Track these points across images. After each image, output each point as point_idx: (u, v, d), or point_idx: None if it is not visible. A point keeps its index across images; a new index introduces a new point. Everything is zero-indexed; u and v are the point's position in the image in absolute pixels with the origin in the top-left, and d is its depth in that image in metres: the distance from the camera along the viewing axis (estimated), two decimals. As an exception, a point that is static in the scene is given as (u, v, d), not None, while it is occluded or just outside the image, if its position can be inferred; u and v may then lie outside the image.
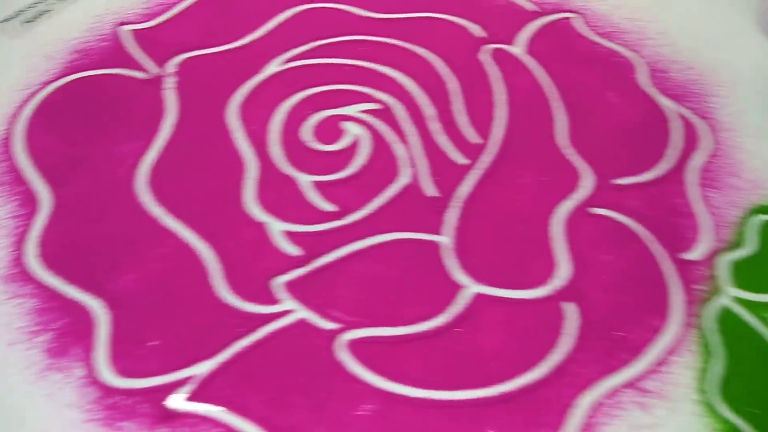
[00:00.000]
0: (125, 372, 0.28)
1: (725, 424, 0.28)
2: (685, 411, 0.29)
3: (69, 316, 0.30)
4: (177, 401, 0.28)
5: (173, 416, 0.27)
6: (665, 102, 0.40)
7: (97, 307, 0.30)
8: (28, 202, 0.33)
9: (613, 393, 0.29)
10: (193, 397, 0.28)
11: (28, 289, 0.31)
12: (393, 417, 0.28)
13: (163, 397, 0.28)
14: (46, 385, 0.28)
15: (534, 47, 0.43)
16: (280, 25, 0.42)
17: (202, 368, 0.28)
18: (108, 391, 0.28)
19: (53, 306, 0.30)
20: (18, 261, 0.32)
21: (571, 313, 0.31)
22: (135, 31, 0.41)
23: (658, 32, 0.45)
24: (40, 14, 0.40)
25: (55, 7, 0.41)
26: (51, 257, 0.32)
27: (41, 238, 0.32)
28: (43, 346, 0.29)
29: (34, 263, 0.31)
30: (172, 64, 0.39)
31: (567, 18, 0.44)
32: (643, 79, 0.41)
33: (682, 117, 0.40)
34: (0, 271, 0.31)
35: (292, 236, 0.33)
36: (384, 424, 0.27)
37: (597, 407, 0.28)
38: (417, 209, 0.34)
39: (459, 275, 0.32)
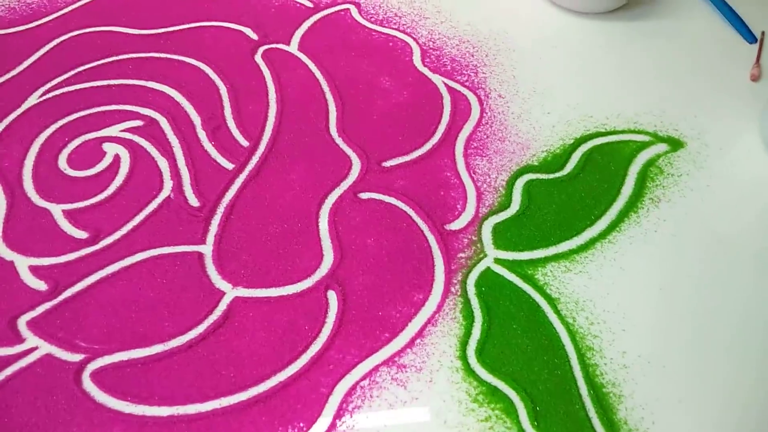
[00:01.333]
0: None
1: (483, 386, 0.29)
2: (442, 380, 0.29)
3: None
4: None
5: None
6: (437, 79, 0.41)
7: None
8: None
9: (371, 373, 0.29)
10: None
11: None
12: (139, 439, 0.27)
13: None
14: None
15: (308, 43, 0.43)
16: (43, 57, 0.41)
17: (-66, 425, 0.27)
18: None
19: None
20: None
21: (333, 300, 0.31)
22: None
23: (435, 11, 0.46)
24: None
25: None
26: None
27: None
28: None
29: None
30: None
31: (343, 10, 0.45)
32: (416, 59, 0.42)
33: (453, 91, 0.40)
34: None
35: (39, 270, 0.31)
36: (129, 449, 0.27)
37: (352, 391, 0.28)
38: (178, 222, 0.33)
39: (219, 282, 0.31)
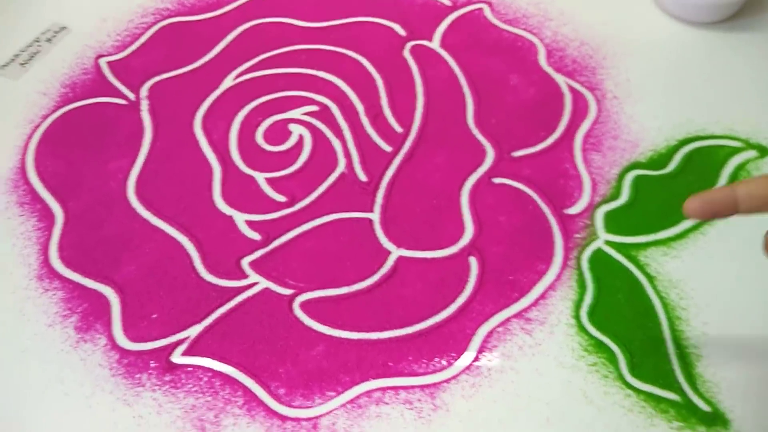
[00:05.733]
0: (136, 338, 0.38)
1: (592, 339, 0.37)
2: (560, 332, 0.38)
3: (89, 301, 0.39)
4: (176, 356, 0.37)
5: (175, 367, 0.37)
6: (560, 78, 0.48)
7: (108, 292, 0.39)
8: (45, 216, 0.42)
9: (504, 323, 0.38)
10: (188, 352, 0.37)
11: (55, 283, 0.40)
12: (337, 354, 0.37)
13: (166, 354, 0.37)
14: (80, 353, 0.37)
15: (448, 40, 0.50)
16: (231, 44, 0.50)
17: (193, 331, 0.38)
18: (126, 353, 0.37)
19: (76, 295, 0.40)
20: (45, 263, 0.41)
21: (474, 264, 0.40)
22: (110, 62, 0.49)
23: (559, 13, 0.52)
24: (32, 56, 0.48)
25: (43, 48, 0.49)
26: (69, 258, 0.41)
27: (59, 243, 0.41)
28: (73, 325, 0.38)
29: (57, 263, 0.41)
30: (145, 88, 0.47)
31: (477, 9, 0.52)
32: (542, 59, 0.49)
33: (574, 90, 0.47)
34: (33, 272, 0.40)
35: (253, 224, 0.42)
36: (330, 359, 0.37)
37: (491, 334, 0.38)
38: (351, 193, 0.43)
39: (386, 243, 0.41)
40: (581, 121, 0.46)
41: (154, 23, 0.51)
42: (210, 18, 0.52)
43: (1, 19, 0.52)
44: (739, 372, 0.36)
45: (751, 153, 0.44)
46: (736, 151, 0.44)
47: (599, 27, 0.51)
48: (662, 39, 0.50)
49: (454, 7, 0.52)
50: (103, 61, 0.49)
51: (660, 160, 0.44)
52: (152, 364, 0.37)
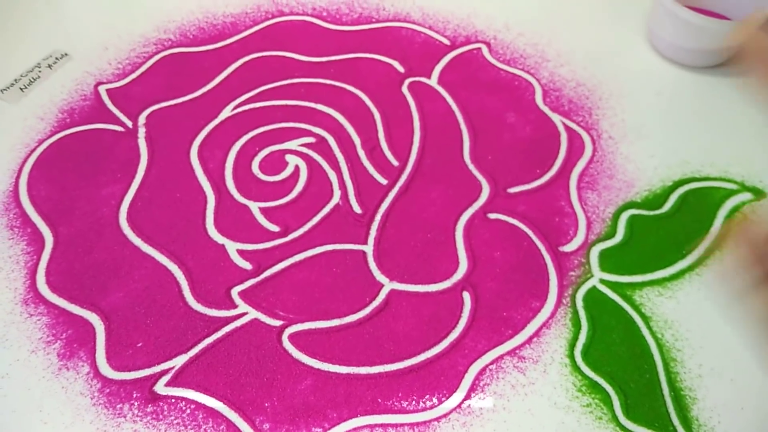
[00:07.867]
0: (119, 367, 0.37)
1: (586, 380, 0.37)
2: (554, 372, 0.37)
3: (73, 328, 0.38)
4: (160, 387, 0.36)
5: (158, 398, 0.36)
6: (556, 118, 0.48)
7: (94, 319, 0.39)
8: (35, 240, 0.42)
9: (497, 360, 0.37)
10: (172, 383, 0.36)
11: (41, 308, 0.39)
12: (325, 388, 0.36)
13: (150, 384, 0.36)
14: (62, 380, 0.36)
15: (446, 78, 0.51)
16: (231, 75, 0.50)
17: (178, 361, 0.37)
18: (108, 382, 0.36)
19: (61, 321, 0.39)
20: (32, 287, 0.40)
21: (467, 300, 0.39)
22: (110, 89, 0.49)
23: (556, 54, 0.53)
24: (32, 81, 0.48)
25: (44, 74, 0.49)
26: (56, 283, 0.40)
27: (47, 268, 0.41)
28: (56, 352, 0.37)
29: (44, 288, 0.40)
30: (143, 116, 0.47)
31: (475, 49, 0.52)
32: (538, 98, 0.49)
33: (570, 130, 0.48)
34: (19, 297, 0.40)
35: (245, 254, 0.41)
36: (318, 394, 0.36)
37: (483, 372, 0.37)
38: (345, 224, 0.42)
39: (379, 276, 0.40)
40: (577, 159, 0.46)
41: (156, 53, 0.52)
42: (211, 50, 0.52)
43: (4, 44, 0.53)
44: (734, 416, 0.35)
45: (747, 195, 0.44)
46: (731, 193, 0.44)
47: (595, 68, 0.51)
48: (658, 81, 0.51)
49: (453, 46, 0.53)
50: (102, 89, 0.49)
51: (655, 200, 0.44)
52: (135, 395, 0.36)
